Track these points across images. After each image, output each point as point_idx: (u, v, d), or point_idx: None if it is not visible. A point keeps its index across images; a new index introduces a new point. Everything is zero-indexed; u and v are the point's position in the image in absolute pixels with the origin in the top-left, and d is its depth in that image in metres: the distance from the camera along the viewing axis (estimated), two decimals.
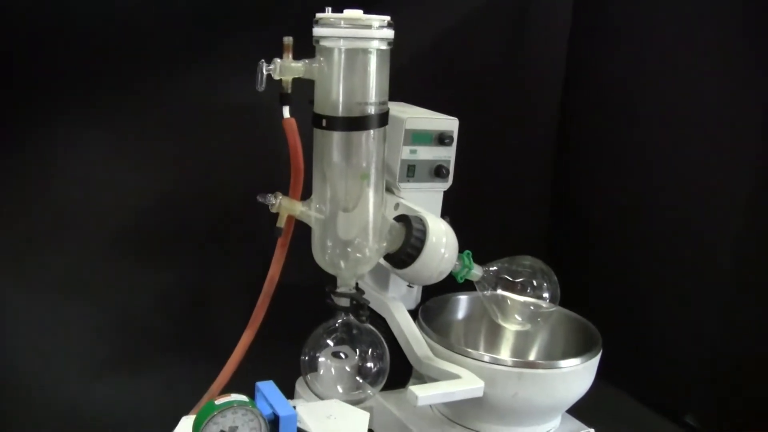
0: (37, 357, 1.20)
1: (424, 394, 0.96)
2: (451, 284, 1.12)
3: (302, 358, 1.03)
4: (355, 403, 1.03)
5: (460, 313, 1.22)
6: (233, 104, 1.22)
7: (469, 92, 1.43)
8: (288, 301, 1.05)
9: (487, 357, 1.03)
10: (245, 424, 0.74)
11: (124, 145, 1.20)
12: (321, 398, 0.99)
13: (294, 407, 0.85)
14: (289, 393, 0.92)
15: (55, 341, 1.22)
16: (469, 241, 1.08)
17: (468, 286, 1.11)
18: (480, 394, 1.00)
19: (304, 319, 1.02)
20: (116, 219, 1.23)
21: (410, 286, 1.11)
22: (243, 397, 0.74)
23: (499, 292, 1.10)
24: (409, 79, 1.26)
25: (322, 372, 1.03)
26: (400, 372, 1.08)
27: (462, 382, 1.00)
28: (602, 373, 1.13)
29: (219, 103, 1.23)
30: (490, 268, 1.09)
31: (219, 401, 0.73)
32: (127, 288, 1.25)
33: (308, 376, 1.02)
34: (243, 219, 1.27)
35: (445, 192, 1.16)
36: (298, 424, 0.82)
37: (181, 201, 1.26)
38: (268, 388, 0.84)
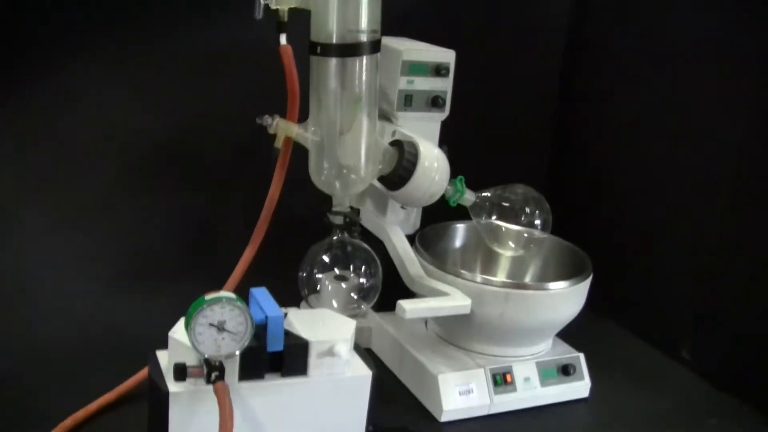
0: (54, 277, 1.29)
1: (411, 307, 1.02)
2: (449, 213, 1.19)
3: (300, 275, 1.09)
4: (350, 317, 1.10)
5: (457, 241, 1.27)
6: (235, 42, 1.28)
7: (470, 24, 1.46)
8: (287, 221, 1.11)
9: (477, 277, 1.08)
10: (233, 319, 0.80)
11: (134, 82, 1.28)
12: None
13: (285, 313, 0.92)
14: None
15: (72, 263, 1.31)
16: (468, 172, 1.13)
17: (465, 215, 1.17)
18: (467, 311, 1.06)
19: (302, 238, 1.08)
20: (128, 154, 1.31)
21: (404, 208, 1.17)
22: (232, 294, 0.81)
23: (493, 219, 1.15)
24: (411, 14, 1.31)
25: (318, 288, 1.10)
26: (400, 296, 1.13)
27: (450, 299, 1.05)
28: (597, 305, 1.19)
29: (222, 41, 1.30)
30: (484, 195, 1.14)
31: (209, 296, 0.80)
32: (137, 216, 1.34)
33: (305, 291, 1.09)
34: (246, 150, 1.33)
35: (446, 124, 1.21)
36: (288, 327, 0.89)
37: (188, 134, 1.34)
38: (260, 293, 0.90)
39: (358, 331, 1.13)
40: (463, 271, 1.09)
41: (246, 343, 0.81)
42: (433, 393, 1.07)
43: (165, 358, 0.87)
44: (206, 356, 0.80)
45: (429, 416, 1.08)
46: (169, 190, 1.34)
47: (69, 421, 0.97)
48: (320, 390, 0.89)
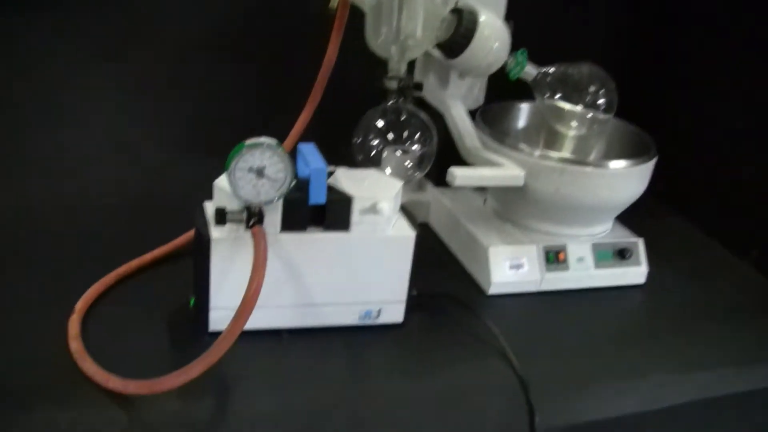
0: (120, 143, 1.33)
1: (462, 173, 1.01)
2: (514, 93, 1.16)
3: (354, 140, 1.09)
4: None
5: (520, 121, 1.25)
6: None
7: None
8: (343, 86, 1.11)
9: (534, 152, 1.06)
10: (273, 166, 0.81)
11: None
12: None
13: (332, 170, 0.92)
14: None
15: (138, 130, 1.35)
16: (534, 49, 1.11)
17: (531, 94, 1.14)
18: (520, 182, 1.05)
19: (358, 104, 1.08)
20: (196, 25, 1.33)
21: (462, 79, 1.15)
22: (272, 141, 0.81)
23: (556, 97, 1.13)
24: None
25: (372, 154, 1.10)
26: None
27: (502, 169, 1.04)
28: (662, 194, 1.15)
29: None
30: (546, 70, 1.11)
31: (249, 141, 0.81)
32: (197, 84, 1.36)
33: (359, 157, 1.09)
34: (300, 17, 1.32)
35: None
36: (333, 183, 0.89)
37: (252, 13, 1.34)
38: (307, 148, 0.90)
39: (416, 205, 1.15)
40: (521, 145, 1.07)
41: (285, 191, 0.82)
42: (483, 265, 1.07)
43: (210, 208, 0.89)
44: (245, 201, 0.82)
45: (477, 288, 1.08)
46: (225, 59, 1.35)
47: (123, 269, 1.00)
48: (361, 247, 0.90)
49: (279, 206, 0.84)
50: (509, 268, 1.07)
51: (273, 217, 0.85)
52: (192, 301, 0.91)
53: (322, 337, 0.93)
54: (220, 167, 0.82)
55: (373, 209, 0.88)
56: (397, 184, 0.92)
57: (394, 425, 0.86)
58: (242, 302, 0.76)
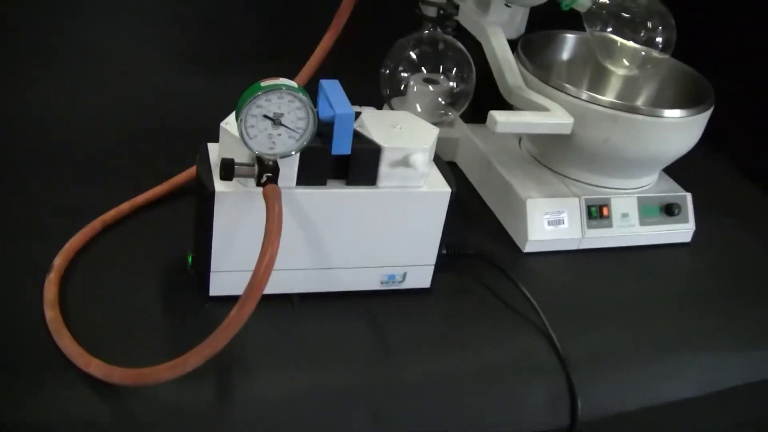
0: (131, 52, 1.20)
1: (504, 119, 0.88)
2: (560, 21, 1.02)
3: (382, 71, 0.96)
4: (433, 124, 0.97)
5: (565, 53, 1.11)
6: None
7: None
8: (373, 9, 0.96)
9: (583, 94, 0.93)
10: (292, 112, 0.68)
11: None
12: None
13: (357, 112, 0.79)
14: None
15: (149, 41, 1.22)
16: None
17: (577, 24, 1.00)
18: (567, 131, 0.92)
19: (389, 30, 0.94)
20: None
21: (508, 6, 1.00)
22: (293, 83, 0.68)
23: (609, 31, 0.99)
24: None
25: (402, 89, 0.96)
26: (493, 108, 0.99)
27: (549, 115, 0.91)
28: (715, 143, 1.03)
29: None
30: (603, 1, 0.97)
31: (265, 83, 0.67)
32: None
33: (386, 91, 0.95)
34: None
35: None
36: (359, 128, 0.76)
37: None
38: (331, 86, 0.77)
39: (443, 142, 1.02)
40: (567, 86, 0.94)
41: (306, 143, 0.70)
42: (519, 219, 0.95)
43: (215, 152, 0.76)
44: (258, 153, 0.69)
45: (511, 244, 0.96)
46: None
47: (112, 213, 0.88)
48: (390, 204, 0.78)
49: (296, 156, 0.72)
50: (548, 224, 0.95)
51: (288, 169, 0.73)
52: (190, 259, 0.79)
53: (337, 303, 0.82)
54: (230, 88, 0.68)
55: (405, 162, 0.76)
56: (434, 131, 0.79)
57: (417, 408, 0.76)
58: (250, 283, 0.64)
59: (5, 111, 1.05)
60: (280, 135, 0.68)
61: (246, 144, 0.68)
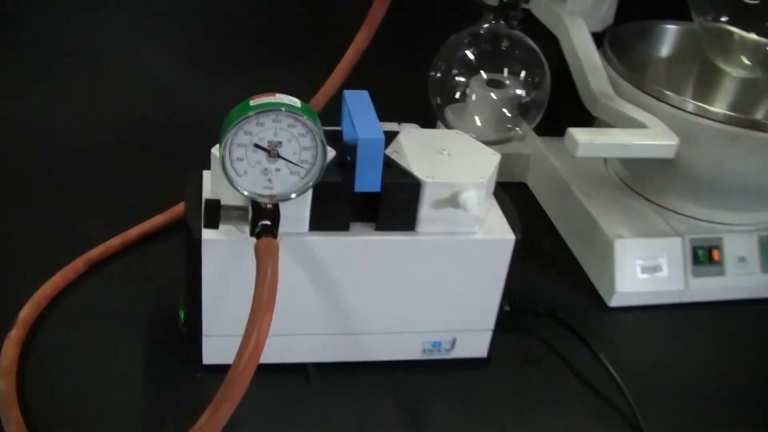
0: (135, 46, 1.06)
1: (588, 139, 0.69)
2: (657, 10, 0.88)
3: (431, 74, 0.77)
4: (497, 142, 0.78)
5: (664, 49, 0.91)
6: None
7: None
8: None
9: (690, 105, 0.73)
10: (293, 141, 0.50)
11: None
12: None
13: (393, 131, 0.61)
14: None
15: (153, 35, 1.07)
16: None
17: (681, 12, 0.84)
18: (670, 154, 0.72)
19: (439, 25, 0.75)
20: None
21: None
22: (295, 101, 0.50)
23: (724, 20, 0.81)
24: None
25: (457, 97, 0.78)
26: (572, 119, 0.80)
27: (646, 133, 0.72)
28: None
29: None
30: None
31: (256, 101, 0.49)
32: None
33: (436, 100, 0.77)
34: None
35: None
36: (394, 155, 0.58)
37: None
38: (357, 98, 0.59)
39: (510, 159, 0.86)
40: (669, 93, 0.74)
41: (313, 182, 0.51)
42: (604, 264, 0.76)
43: (207, 187, 0.59)
44: (248, 195, 0.51)
45: (593, 296, 0.77)
46: None
47: (99, 250, 0.72)
48: (433, 255, 0.60)
49: (307, 194, 0.54)
50: (641, 271, 0.76)
51: (299, 210, 0.56)
52: (182, 315, 0.62)
53: (365, 376, 0.65)
54: (246, 93, 0.51)
55: (453, 201, 0.57)
56: (493, 159, 0.60)
57: None
58: (228, 379, 0.46)
59: None
60: (278, 171, 0.51)
61: (231, 183, 0.50)
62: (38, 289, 0.66)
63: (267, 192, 0.51)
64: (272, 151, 0.50)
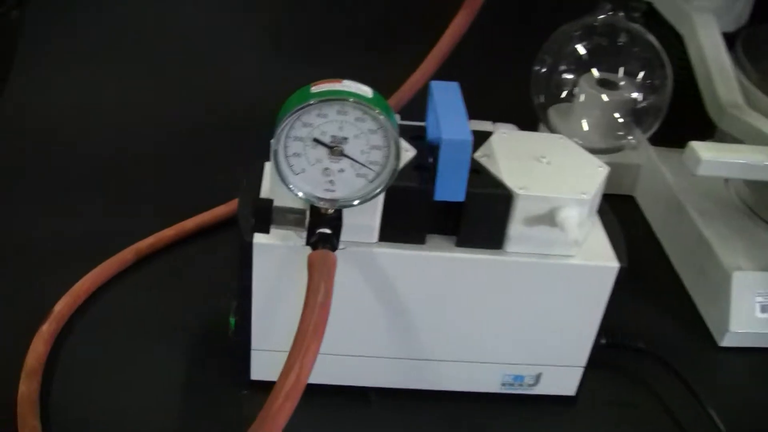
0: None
1: (711, 156, 0.60)
2: None
3: (535, 69, 0.69)
4: (606, 150, 0.69)
5: None
6: None
7: None
8: None
9: None
10: (361, 137, 0.42)
11: None
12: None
13: (486, 132, 0.53)
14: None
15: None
16: None
17: None
18: None
19: (548, 14, 0.67)
20: None
21: None
22: (365, 90, 0.42)
23: None
24: None
25: (563, 95, 0.69)
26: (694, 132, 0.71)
27: None
28: None
29: None
30: None
31: (319, 87, 0.41)
32: None
33: (540, 98, 0.68)
34: None
35: None
36: (483, 160, 0.50)
37: None
38: (444, 91, 0.51)
39: (618, 168, 0.76)
40: None
41: (382, 187, 0.44)
42: (719, 298, 0.67)
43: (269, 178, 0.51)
44: (304, 197, 0.43)
45: (703, 333, 0.67)
46: None
47: (135, 249, 0.65)
48: (521, 278, 0.52)
49: (379, 198, 0.46)
50: (761, 310, 0.65)
51: (368, 217, 0.48)
52: (232, 322, 0.55)
53: (434, 407, 0.57)
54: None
55: (549, 218, 0.49)
56: (600, 172, 0.51)
57: None
58: (262, 416, 0.38)
59: (27, 105, 0.84)
60: (342, 171, 0.43)
61: (285, 182, 0.43)
62: (74, 286, 0.60)
63: (327, 195, 0.44)
64: (335, 148, 0.42)
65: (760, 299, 0.66)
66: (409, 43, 0.75)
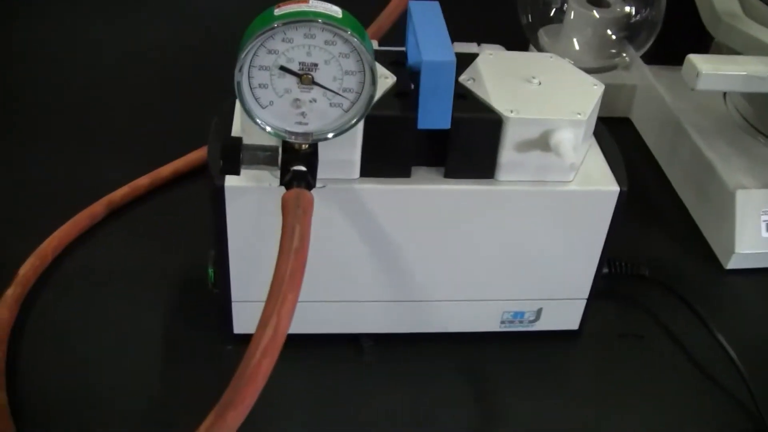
0: None
1: (711, 69, 0.56)
2: None
3: None
4: (599, 70, 0.65)
5: None
6: None
7: None
8: None
9: None
10: (332, 62, 0.38)
11: None
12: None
13: (471, 54, 0.49)
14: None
15: None
16: None
17: None
18: None
19: None
20: None
21: None
22: (335, 10, 0.38)
23: None
24: None
25: (552, 14, 0.65)
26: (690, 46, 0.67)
27: None
28: None
29: None
30: None
31: (283, 9, 0.37)
32: None
33: (527, 18, 0.64)
34: None
35: None
36: (469, 83, 0.46)
37: None
38: (423, 11, 0.47)
39: (612, 90, 0.74)
40: None
41: (358, 118, 0.40)
42: (723, 219, 0.63)
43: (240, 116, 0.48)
44: (273, 132, 0.40)
45: (709, 257, 0.65)
46: None
47: (107, 200, 0.61)
48: (516, 209, 0.48)
49: (358, 130, 0.42)
50: (767, 228, 0.62)
51: (347, 151, 0.44)
52: (211, 273, 0.51)
53: (432, 350, 0.54)
54: None
55: (543, 142, 0.45)
56: (596, 91, 0.48)
57: None
58: (239, 374, 0.35)
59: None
60: (314, 102, 0.39)
61: (251, 116, 0.39)
62: (45, 240, 0.56)
63: (299, 129, 0.40)
64: (305, 76, 0.38)
65: (766, 218, 0.63)
66: None
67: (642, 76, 0.76)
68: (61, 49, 0.82)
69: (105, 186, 0.62)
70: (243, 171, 0.42)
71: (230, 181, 0.44)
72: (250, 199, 0.45)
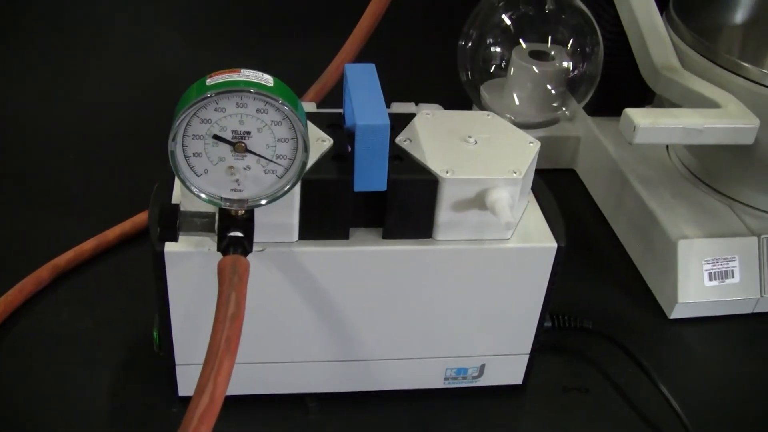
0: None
1: (648, 123, 0.57)
2: None
3: (460, 44, 0.66)
4: (542, 124, 0.66)
5: (740, 12, 0.77)
6: None
7: None
8: None
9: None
10: (265, 130, 0.39)
11: None
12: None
13: (408, 114, 0.50)
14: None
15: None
16: None
17: None
18: (749, 140, 0.59)
19: None
20: None
21: None
22: (266, 78, 0.38)
23: None
24: None
25: (492, 70, 0.66)
26: (630, 99, 0.68)
27: (719, 114, 0.59)
28: None
29: None
30: None
31: (215, 79, 0.38)
32: None
33: (467, 75, 0.65)
34: None
35: None
36: (405, 144, 0.47)
37: None
38: (359, 74, 0.48)
39: (556, 143, 0.78)
40: (747, 65, 0.62)
41: (292, 183, 0.40)
42: (666, 269, 0.64)
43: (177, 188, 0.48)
44: (208, 199, 0.40)
45: (652, 307, 0.65)
46: None
47: (90, 244, 0.62)
48: (455, 268, 0.49)
49: (295, 193, 0.42)
50: (710, 278, 0.63)
51: (284, 214, 0.44)
52: (156, 336, 0.51)
53: (375, 409, 0.54)
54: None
55: (479, 201, 0.45)
56: (531, 149, 0.49)
57: None
58: (187, 420, 0.35)
59: None
60: (248, 169, 0.39)
61: (186, 185, 0.39)
62: None
63: (234, 196, 0.40)
64: (238, 144, 0.39)
65: (708, 267, 0.64)
66: (331, 29, 0.72)
67: (586, 128, 0.78)
68: (3, 108, 0.82)
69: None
70: (181, 237, 0.42)
71: (170, 246, 0.44)
72: (191, 263, 0.45)
